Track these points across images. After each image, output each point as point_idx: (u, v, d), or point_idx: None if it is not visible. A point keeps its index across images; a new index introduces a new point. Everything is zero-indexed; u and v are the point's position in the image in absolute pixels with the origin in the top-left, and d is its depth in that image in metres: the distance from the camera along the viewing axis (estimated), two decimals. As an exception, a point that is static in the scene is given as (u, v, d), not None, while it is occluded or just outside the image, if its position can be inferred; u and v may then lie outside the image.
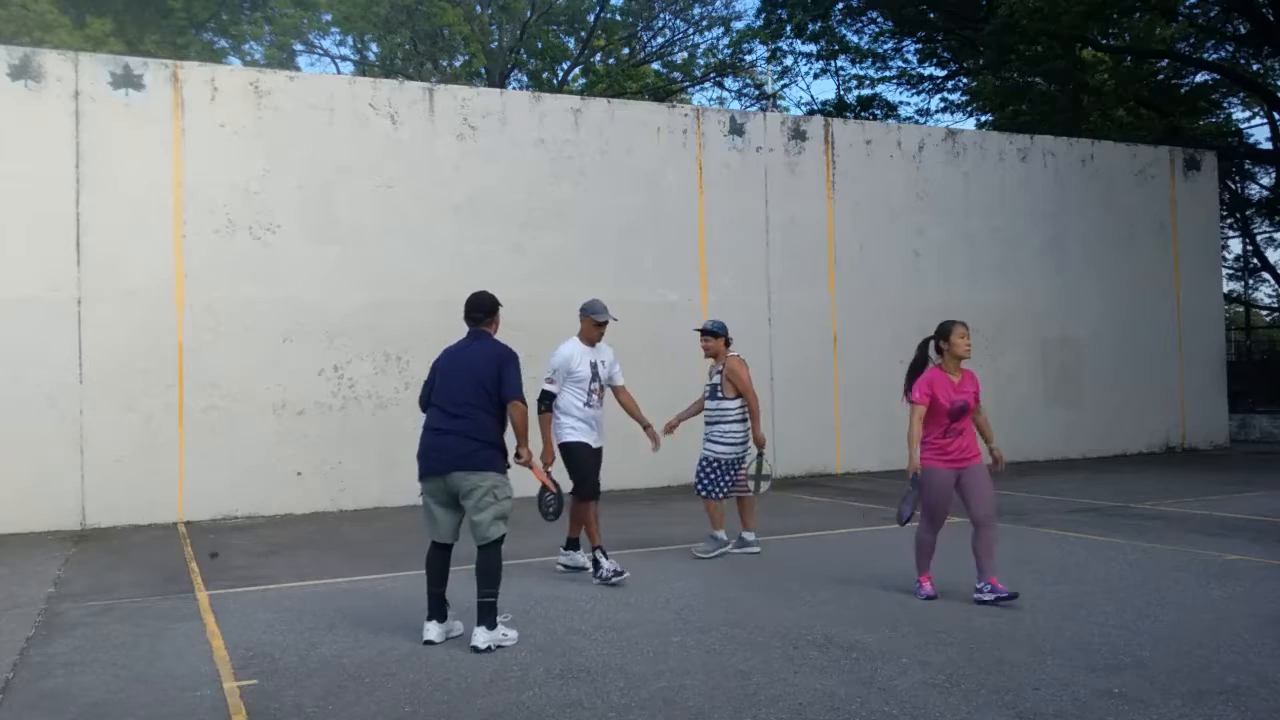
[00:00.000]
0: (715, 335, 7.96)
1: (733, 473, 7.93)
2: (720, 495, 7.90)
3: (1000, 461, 6.39)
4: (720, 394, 7.88)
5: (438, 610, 5.56)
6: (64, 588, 7.31)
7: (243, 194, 11.15)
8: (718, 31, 29.31)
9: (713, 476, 7.89)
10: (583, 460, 7.15)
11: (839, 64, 25.61)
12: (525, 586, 6.92)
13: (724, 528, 7.91)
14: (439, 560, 5.66)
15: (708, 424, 7.94)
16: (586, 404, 7.21)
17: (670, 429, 8.04)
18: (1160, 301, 16.46)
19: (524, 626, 5.77)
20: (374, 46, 27.60)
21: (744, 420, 7.87)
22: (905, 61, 25.26)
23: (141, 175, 10.75)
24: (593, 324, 7.25)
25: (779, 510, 10.70)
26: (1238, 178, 26.12)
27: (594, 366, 7.23)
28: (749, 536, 8.05)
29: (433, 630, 5.51)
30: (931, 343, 6.33)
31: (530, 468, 5.82)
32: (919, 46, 24.80)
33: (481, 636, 5.31)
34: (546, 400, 7.13)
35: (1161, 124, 21.73)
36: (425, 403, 6.01)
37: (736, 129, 13.76)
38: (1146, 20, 21.76)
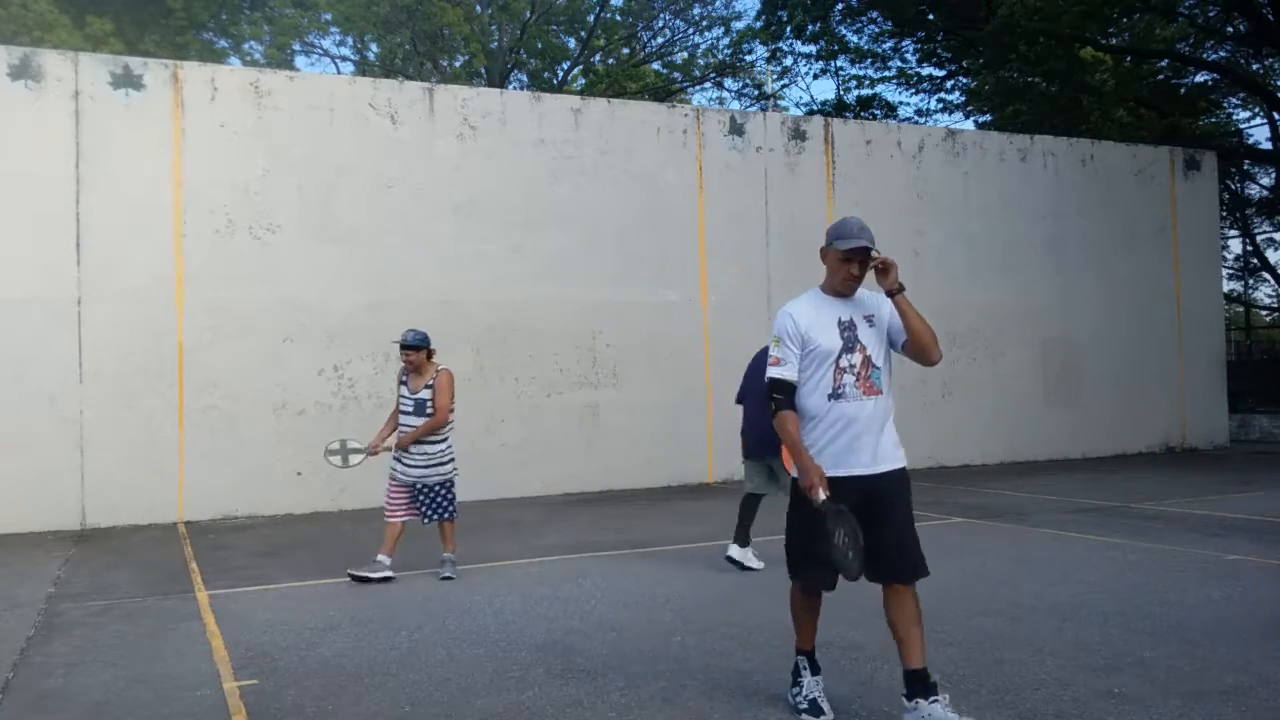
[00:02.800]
0: (418, 348, 7.27)
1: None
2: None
3: None
4: (430, 409, 7.20)
5: (743, 538, 7.41)
6: (64, 588, 7.31)
7: (243, 194, 11.15)
8: (718, 31, 29.35)
9: (453, 496, 7.37)
10: (811, 509, 3.94)
11: (839, 64, 25.63)
12: (525, 587, 6.92)
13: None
14: (753, 504, 7.55)
15: (420, 441, 7.18)
16: (835, 394, 4.04)
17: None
18: (1160, 301, 16.46)
19: (524, 626, 5.78)
20: (374, 46, 27.61)
21: (448, 437, 7.32)
22: (905, 61, 25.29)
23: (141, 175, 10.75)
24: (838, 258, 4.14)
25: (779, 510, 10.70)
26: (1238, 178, 26.12)
27: (845, 329, 4.10)
28: (386, 560, 7.32)
29: (735, 550, 7.38)
30: None
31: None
32: (919, 46, 24.81)
33: (735, 551, 7.42)
34: (782, 392, 4.13)
35: (1161, 124, 21.73)
36: (740, 398, 8.14)
37: (736, 129, 13.76)
38: (1146, 20, 21.76)
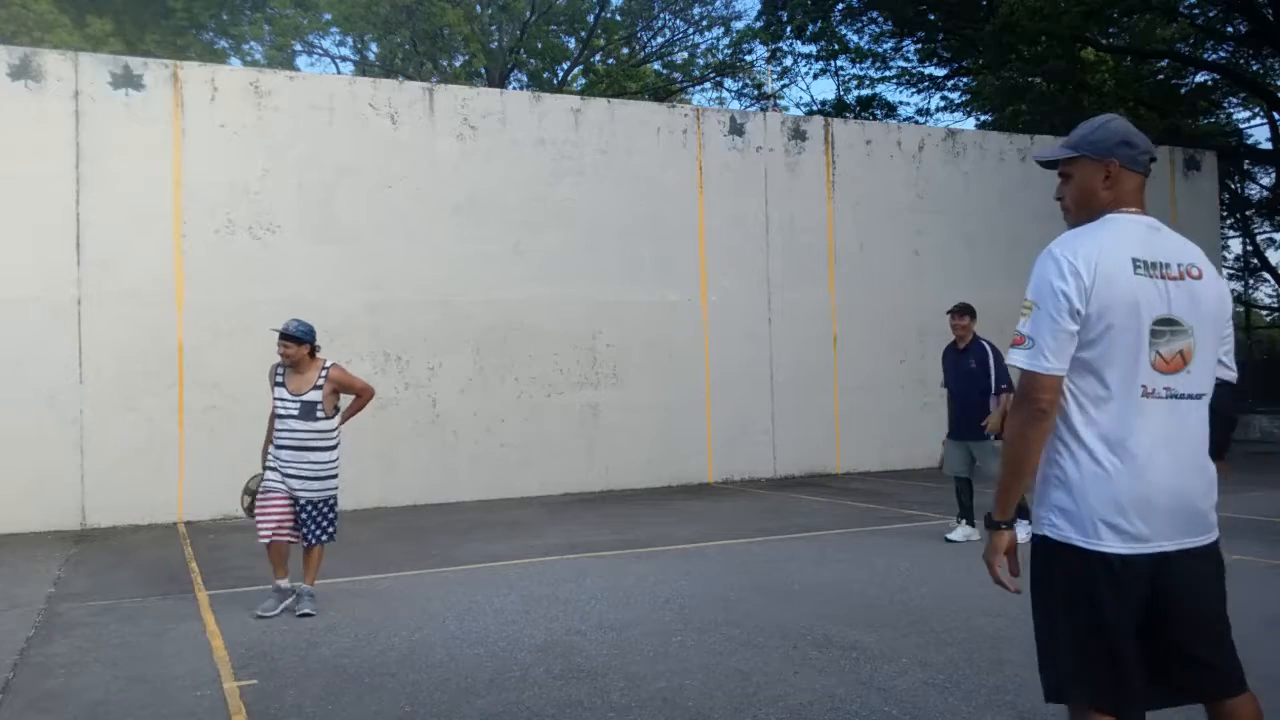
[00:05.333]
0: (300, 341, 6.24)
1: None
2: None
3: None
4: (321, 412, 6.28)
5: (966, 515, 8.29)
6: (64, 588, 7.31)
7: (243, 194, 11.14)
8: (718, 31, 29.29)
9: (335, 517, 6.41)
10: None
11: (839, 64, 25.63)
12: (525, 587, 6.92)
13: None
14: (961, 484, 8.37)
15: (301, 449, 6.19)
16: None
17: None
18: (1160, 301, 16.44)
19: (524, 626, 5.78)
20: (374, 46, 27.59)
21: (339, 445, 6.40)
22: (905, 61, 25.29)
23: (141, 175, 10.75)
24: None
25: (779, 510, 10.71)
26: (1238, 178, 26.11)
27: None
28: (285, 583, 6.34)
29: (958, 533, 8.17)
30: None
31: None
32: (919, 46, 24.81)
33: (959, 532, 8.18)
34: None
35: (1161, 124, 21.72)
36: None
37: (736, 129, 13.76)
38: (1146, 20, 21.77)
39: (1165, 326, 2.53)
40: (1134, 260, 2.56)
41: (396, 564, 7.86)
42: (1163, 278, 2.56)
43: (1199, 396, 2.57)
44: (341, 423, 6.50)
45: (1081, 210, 2.81)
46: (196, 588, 7.18)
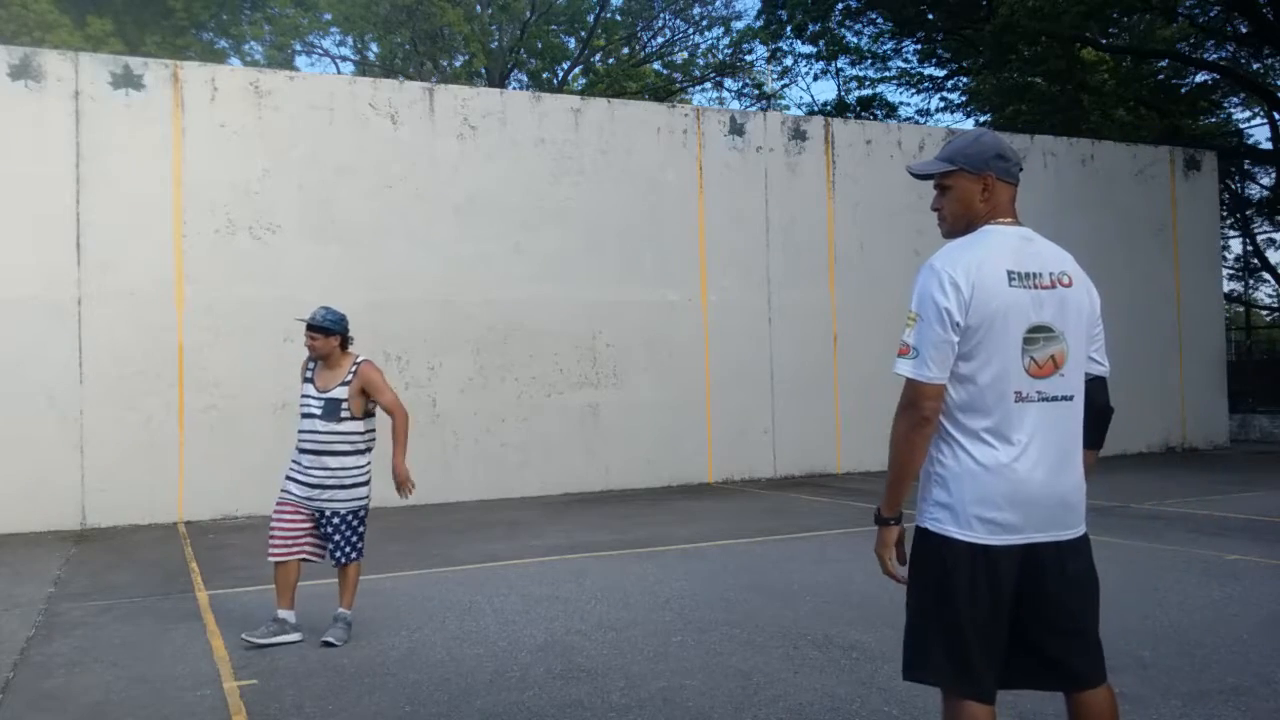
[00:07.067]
0: (329, 332, 5.65)
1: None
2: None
3: None
4: (346, 412, 5.60)
5: None
6: (64, 588, 7.31)
7: (243, 194, 11.15)
8: (718, 31, 29.34)
9: (364, 531, 5.75)
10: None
11: (839, 65, 25.66)
12: (525, 587, 6.92)
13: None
14: None
15: (321, 453, 5.56)
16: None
17: None
18: (1160, 301, 16.45)
19: (524, 626, 5.78)
20: (374, 46, 27.62)
21: (370, 449, 5.74)
22: (905, 62, 25.32)
23: (141, 175, 10.75)
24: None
25: (779, 510, 10.71)
26: (1238, 178, 26.12)
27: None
28: (289, 615, 5.61)
29: None
30: None
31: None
32: (919, 47, 24.83)
33: None
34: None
35: (1161, 124, 21.74)
36: None
37: (736, 129, 13.76)
38: (1147, 20, 21.78)
39: (1038, 334, 2.70)
40: (1009, 273, 2.71)
41: (396, 564, 7.86)
42: (1035, 287, 2.72)
43: (1070, 398, 2.75)
44: (399, 466, 5.74)
45: (959, 221, 2.88)
46: (196, 588, 7.18)
